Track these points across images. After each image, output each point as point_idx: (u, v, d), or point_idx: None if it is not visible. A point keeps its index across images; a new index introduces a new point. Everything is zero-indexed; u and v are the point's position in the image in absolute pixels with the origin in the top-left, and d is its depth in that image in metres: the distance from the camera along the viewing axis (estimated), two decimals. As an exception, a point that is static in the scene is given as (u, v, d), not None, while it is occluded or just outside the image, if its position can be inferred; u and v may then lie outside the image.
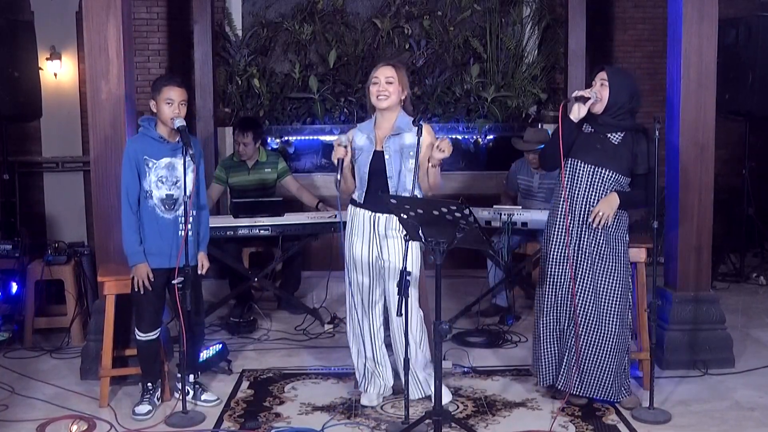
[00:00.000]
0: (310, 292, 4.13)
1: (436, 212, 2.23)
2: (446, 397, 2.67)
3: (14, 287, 3.47)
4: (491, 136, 4.96)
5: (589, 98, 2.52)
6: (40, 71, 4.20)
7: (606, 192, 2.56)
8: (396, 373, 2.74)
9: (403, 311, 2.34)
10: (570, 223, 2.56)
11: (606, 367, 2.58)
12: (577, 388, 2.59)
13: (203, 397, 2.74)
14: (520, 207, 3.69)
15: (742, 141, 4.51)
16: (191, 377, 2.72)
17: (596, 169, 2.56)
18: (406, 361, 2.46)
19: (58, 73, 4.72)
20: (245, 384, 2.91)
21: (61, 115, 4.74)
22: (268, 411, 2.66)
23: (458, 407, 2.68)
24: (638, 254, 2.82)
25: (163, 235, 2.59)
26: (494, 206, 3.69)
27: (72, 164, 4.80)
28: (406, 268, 2.35)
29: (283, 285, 3.93)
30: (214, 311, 3.73)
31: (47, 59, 4.64)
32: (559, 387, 2.63)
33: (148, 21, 4.87)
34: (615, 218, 2.56)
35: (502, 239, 3.52)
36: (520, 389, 2.84)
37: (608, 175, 2.56)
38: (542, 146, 3.77)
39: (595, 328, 2.57)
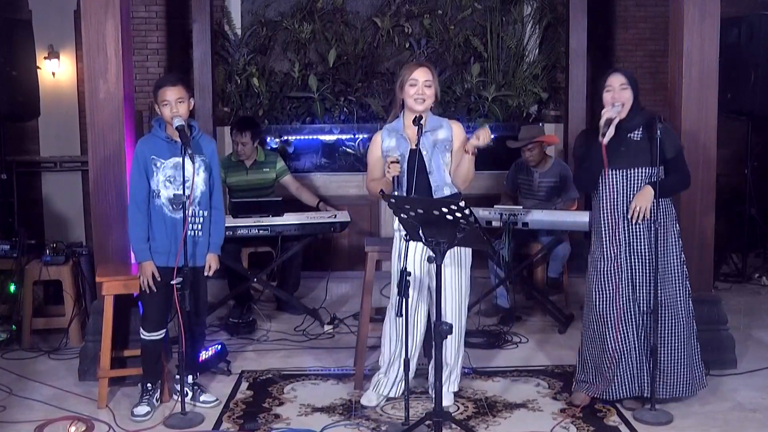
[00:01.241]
0: (309, 292, 4.12)
1: (436, 212, 2.22)
2: (446, 398, 2.65)
3: (12, 287, 3.46)
4: (492, 136, 4.93)
5: (615, 117, 2.51)
6: (38, 70, 4.19)
7: (641, 187, 2.56)
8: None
9: (403, 312, 2.33)
10: (616, 230, 2.55)
11: (688, 363, 2.58)
12: (664, 391, 2.58)
13: (202, 398, 2.73)
14: (521, 207, 3.68)
15: (744, 141, 4.49)
16: (190, 378, 2.71)
17: (627, 171, 2.56)
18: (407, 362, 2.44)
19: (56, 72, 4.71)
20: (244, 385, 2.90)
21: (60, 115, 4.72)
22: (267, 412, 2.65)
23: (459, 408, 2.67)
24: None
25: (171, 234, 2.59)
26: (495, 206, 3.67)
27: (70, 164, 4.79)
28: (406, 268, 2.34)
29: (283, 285, 3.92)
30: (213, 312, 3.71)
31: (45, 58, 4.62)
32: (646, 395, 2.58)
33: (146, 20, 4.85)
34: (662, 211, 2.55)
35: (503, 240, 3.50)
36: (521, 390, 2.83)
37: (640, 173, 2.56)
38: (535, 140, 3.78)
39: (669, 327, 2.56)
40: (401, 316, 2.35)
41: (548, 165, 3.89)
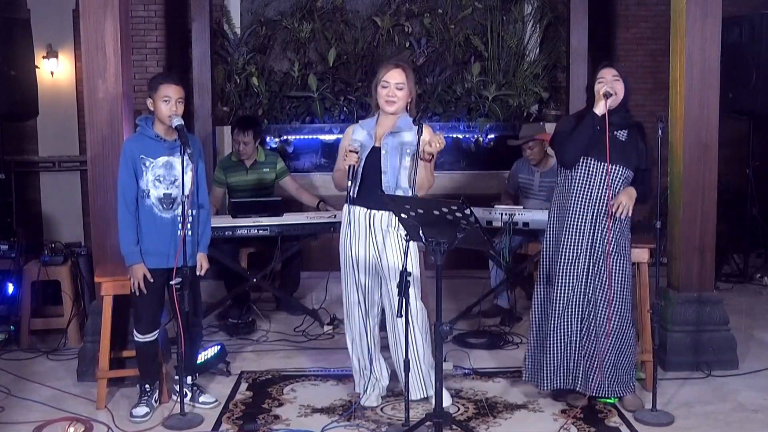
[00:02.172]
0: (309, 292, 4.11)
1: (436, 212, 2.21)
2: (446, 399, 2.64)
3: (10, 288, 3.45)
4: (492, 136, 4.94)
5: (612, 94, 2.52)
6: (36, 70, 4.18)
7: (618, 188, 2.56)
8: (392, 374, 2.71)
9: (404, 312, 2.32)
10: (583, 221, 2.55)
11: (623, 364, 2.57)
12: (597, 389, 2.57)
13: (201, 399, 2.71)
14: (522, 207, 3.66)
15: (745, 140, 4.48)
16: (189, 379, 2.70)
17: (611, 167, 2.55)
18: (407, 362, 2.43)
19: (54, 71, 4.70)
20: (244, 386, 2.89)
21: (58, 114, 4.71)
22: (266, 413, 2.64)
23: (459, 409, 2.66)
24: (641, 254, 2.80)
25: (161, 234, 2.57)
26: (495, 206, 3.66)
27: (69, 164, 4.78)
28: (406, 268, 2.33)
29: (282, 286, 3.91)
30: (212, 312, 3.70)
31: (44, 57, 4.62)
32: (578, 389, 2.59)
33: (145, 19, 4.84)
34: (624, 220, 2.57)
35: (504, 239, 3.49)
36: (521, 391, 2.82)
37: (621, 172, 2.56)
38: (536, 138, 3.77)
39: (610, 325, 2.55)
40: (401, 316, 2.34)
41: (550, 165, 3.88)
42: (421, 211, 2.24)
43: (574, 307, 2.58)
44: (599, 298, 2.55)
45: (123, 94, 2.89)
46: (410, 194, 2.53)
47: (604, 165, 2.54)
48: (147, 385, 2.66)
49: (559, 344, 2.60)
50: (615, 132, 2.56)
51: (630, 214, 2.56)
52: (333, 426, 2.52)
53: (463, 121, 4.88)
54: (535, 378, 2.67)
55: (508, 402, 2.72)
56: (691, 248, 3.04)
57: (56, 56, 4.68)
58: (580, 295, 2.57)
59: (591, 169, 2.56)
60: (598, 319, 2.55)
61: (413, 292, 2.55)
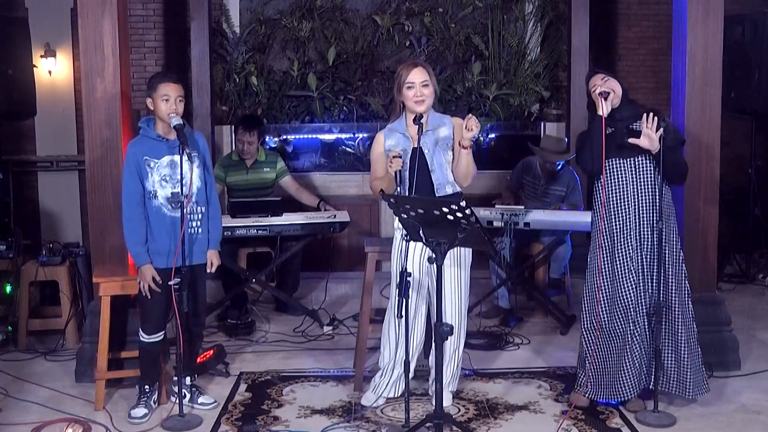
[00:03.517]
0: (308, 293, 4.09)
1: (437, 212, 2.20)
2: (446, 399, 2.63)
3: (8, 288, 3.43)
4: (493, 135, 4.92)
5: (608, 92, 2.52)
6: (34, 69, 4.15)
7: (650, 179, 2.54)
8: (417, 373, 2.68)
9: (404, 313, 2.31)
10: (628, 222, 2.53)
11: (691, 362, 2.56)
12: (678, 388, 2.55)
13: (200, 400, 2.70)
14: (523, 207, 3.64)
15: (748, 140, 4.46)
16: (188, 380, 2.68)
17: (634, 160, 2.54)
18: (407, 363, 2.43)
19: (52, 70, 4.67)
20: (243, 387, 2.88)
21: (56, 114, 4.69)
22: (266, 414, 2.63)
23: (459, 410, 2.65)
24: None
25: (172, 234, 2.56)
26: (496, 206, 3.64)
27: (67, 163, 4.75)
28: (406, 269, 2.32)
29: (282, 286, 3.89)
30: (211, 313, 3.68)
31: (42, 56, 4.59)
32: (651, 387, 2.56)
33: (144, 18, 4.82)
34: (666, 207, 2.55)
35: (504, 240, 3.47)
36: (522, 392, 2.80)
37: (646, 162, 2.55)
38: (560, 163, 3.74)
39: (673, 323, 2.54)
40: (401, 317, 2.33)
41: (558, 174, 3.84)
42: (421, 211, 2.23)
43: (638, 307, 2.54)
44: (661, 294, 2.53)
45: (121, 94, 2.88)
46: (458, 187, 2.57)
47: (628, 161, 2.53)
48: (147, 386, 2.65)
49: (639, 348, 2.54)
50: (630, 126, 2.55)
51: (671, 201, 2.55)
52: (333, 427, 2.51)
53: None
54: (611, 390, 2.58)
55: (509, 403, 2.71)
56: (693, 248, 3.02)
57: (54, 55, 4.65)
58: (640, 295, 2.54)
59: (616, 169, 2.55)
60: (668, 316, 2.53)
61: (464, 298, 2.57)
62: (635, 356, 2.54)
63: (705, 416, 2.58)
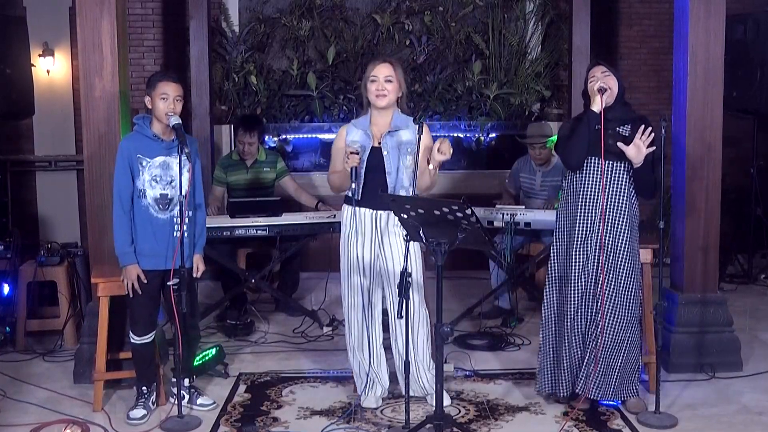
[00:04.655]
0: (308, 293, 4.08)
1: (437, 212, 2.18)
2: (446, 400, 2.62)
3: (6, 289, 3.42)
4: (493, 135, 4.91)
5: (606, 89, 2.50)
6: (32, 68, 4.14)
7: (623, 184, 2.53)
8: (393, 376, 2.68)
9: (404, 313, 2.30)
10: (593, 221, 2.52)
11: (627, 366, 2.54)
12: (596, 391, 2.54)
13: (199, 401, 2.69)
14: (523, 206, 3.63)
15: (750, 140, 4.44)
16: (187, 381, 2.67)
17: (614, 164, 2.53)
18: (407, 363, 2.42)
19: (50, 69, 4.66)
20: (242, 388, 2.87)
21: (54, 113, 4.67)
22: (265, 415, 2.62)
23: (460, 411, 2.64)
24: (644, 255, 2.77)
25: (158, 235, 2.54)
26: (497, 206, 3.63)
27: (65, 163, 4.73)
28: (407, 269, 2.31)
29: (281, 286, 3.88)
30: (210, 314, 3.67)
31: (40, 55, 4.57)
32: (578, 391, 2.56)
33: (142, 16, 4.80)
34: (631, 212, 2.54)
35: (505, 240, 3.46)
36: (522, 393, 2.79)
37: (623, 167, 2.54)
38: (550, 139, 3.75)
39: (617, 326, 2.52)
40: (401, 317, 2.31)
41: (552, 164, 3.85)
42: (421, 211, 2.22)
43: (585, 308, 2.55)
44: (608, 297, 2.52)
45: (120, 93, 2.86)
46: (412, 194, 2.51)
47: (607, 163, 2.51)
48: (144, 387, 2.63)
49: (575, 347, 2.55)
50: (618, 128, 2.54)
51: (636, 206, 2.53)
52: (332, 428, 2.50)
53: (464, 120, 4.85)
54: (555, 386, 2.60)
55: (510, 404, 2.70)
56: (694, 248, 3.01)
57: (52, 54, 4.64)
58: (589, 296, 2.54)
59: (596, 168, 2.53)
60: (607, 319, 2.51)
61: (416, 295, 2.52)
62: (573, 356, 2.54)
63: (706, 417, 2.57)
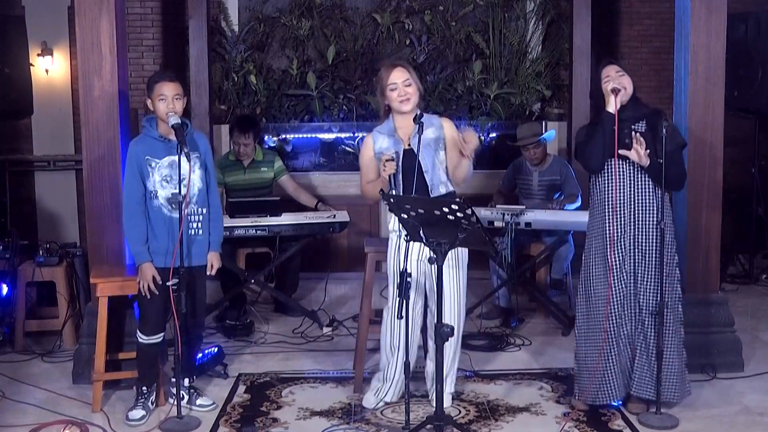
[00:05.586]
0: (308, 294, 4.08)
1: (437, 212, 2.18)
2: (445, 399, 2.60)
3: (4, 289, 3.41)
4: (494, 134, 4.90)
5: (620, 89, 2.49)
6: (31, 67, 4.13)
7: (647, 182, 2.51)
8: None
9: (404, 314, 2.30)
10: (623, 222, 2.50)
11: (675, 367, 2.53)
12: (652, 392, 2.52)
13: (198, 401, 2.68)
14: (524, 206, 3.63)
15: (751, 139, 4.44)
16: (186, 381, 2.66)
17: (634, 163, 2.50)
18: (407, 364, 2.42)
19: (49, 69, 4.65)
20: (242, 388, 2.86)
21: (53, 113, 4.66)
22: (265, 416, 2.61)
23: (460, 412, 2.63)
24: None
25: (172, 234, 2.55)
26: (497, 206, 3.62)
27: (64, 163, 4.73)
28: (406, 269, 2.30)
29: (281, 287, 3.87)
30: (209, 314, 3.66)
31: (38, 55, 4.57)
32: (634, 393, 2.55)
33: (142, 16, 4.80)
34: (660, 208, 2.51)
35: (505, 240, 3.45)
36: (523, 394, 2.79)
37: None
38: (543, 139, 3.74)
39: (668, 324, 2.51)
40: (401, 318, 2.31)
41: (548, 163, 3.85)
42: (421, 211, 2.21)
43: (628, 309, 2.52)
44: (650, 299, 2.50)
45: (119, 93, 2.86)
46: (451, 187, 2.56)
47: (628, 163, 2.50)
48: (144, 388, 2.63)
49: (623, 350, 2.53)
50: (633, 126, 2.53)
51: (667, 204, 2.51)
52: (332, 429, 2.49)
53: (464, 120, 4.84)
54: (608, 393, 2.55)
55: (510, 405, 2.69)
56: (695, 249, 3.00)
57: (51, 54, 4.63)
58: (631, 297, 2.52)
59: (615, 170, 2.51)
60: (652, 320, 2.49)
61: (463, 300, 2.55)
62: (623, 359, 2.53)
63: (708, 418, 2.56)
